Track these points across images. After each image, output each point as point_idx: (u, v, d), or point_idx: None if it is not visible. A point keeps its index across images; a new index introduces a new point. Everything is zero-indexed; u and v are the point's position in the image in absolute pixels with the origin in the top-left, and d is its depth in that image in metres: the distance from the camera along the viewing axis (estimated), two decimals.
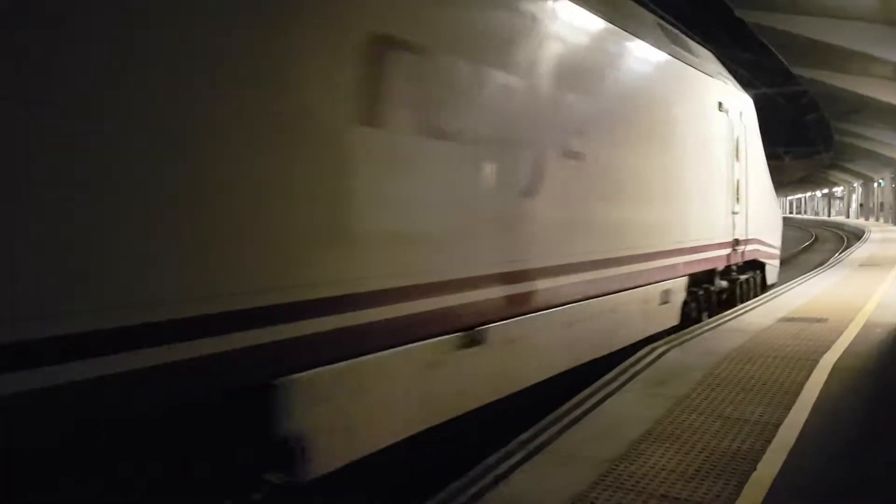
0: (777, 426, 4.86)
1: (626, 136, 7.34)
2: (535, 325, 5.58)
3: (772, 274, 13.38)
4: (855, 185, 67.82)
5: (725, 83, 10.72)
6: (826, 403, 5.43)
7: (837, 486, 3.96)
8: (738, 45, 25.56)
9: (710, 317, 9.65)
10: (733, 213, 10.53)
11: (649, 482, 3.95)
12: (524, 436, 4.70)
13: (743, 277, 11.37)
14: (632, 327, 7.49)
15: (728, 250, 10.36)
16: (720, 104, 10.08)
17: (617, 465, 4.19)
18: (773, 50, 19.94)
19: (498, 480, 4.00)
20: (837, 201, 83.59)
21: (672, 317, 8.58)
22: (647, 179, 7.85)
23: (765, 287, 12.81)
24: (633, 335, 7.48)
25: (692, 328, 8.58)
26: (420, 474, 4.59)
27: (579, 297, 6.27)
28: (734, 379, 6.18)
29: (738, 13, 16.88)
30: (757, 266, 12.32)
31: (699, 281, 9.50)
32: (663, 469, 4.14)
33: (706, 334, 8.27)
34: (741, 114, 11.16)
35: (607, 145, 6.86)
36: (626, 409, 5.34)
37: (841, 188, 77.50)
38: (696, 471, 4.10)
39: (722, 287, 10.57)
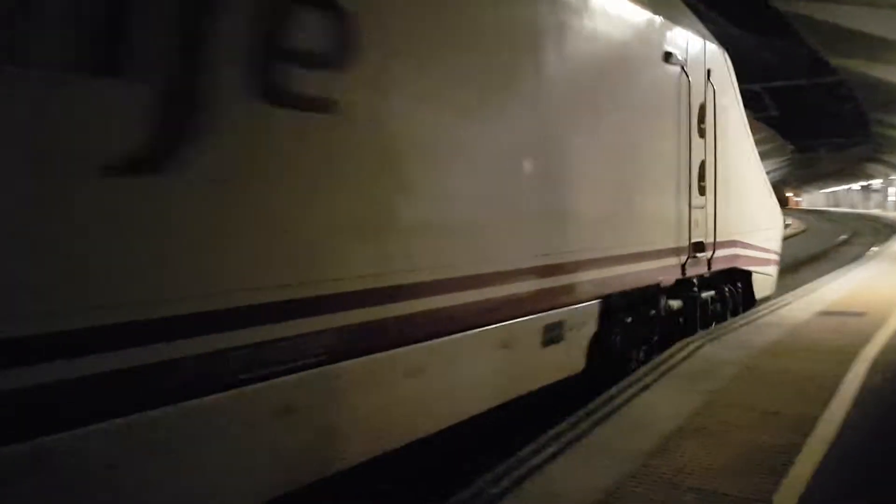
0: (816, 420, 4.77)
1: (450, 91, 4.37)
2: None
3: (763, 285, 10.23)
4: (893, 177, 66.40)
5: (680, 27, 7.46)
6: (867, 398, 5.32)
7: (879, 481, 3.88)
8: (772, 34, 25.11)
9: (658, 349, 7.20)
10: (692, 207, 7.48)
11: (685, 476, 3.90)
12: (557, 429, 4.67)
13: (706, 295, 8.31)
14: (477, 389, 4.69)
15: (681, 258, 7.30)
16: (668, 55, 7.05)
17: (651, 459, 4.15)
18: (808, 39, 19.58)
19: (532, 472, 3.98)
20: (874, 194, 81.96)
21: (573, 360, 5.73)
22: (503, 155, 4.85)
23: (752, 302, 9.95)
24: (482, 400, 4.73)
25: (727, 322, 8.41)
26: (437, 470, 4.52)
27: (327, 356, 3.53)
28: (771, 373, 6.08)
29: (772, 2, 16.60)
30: (739, 276, 9.47)
31: (632, 303, 6.58)
32: (699, 463, 4.08)
33: (742, 329, 8.14)
34: (709, 72, 8.02)
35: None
36: (660, 404, 5.28)
37: (879, 181, 75.94)
38: (732, 465, 4.04)
39: (672, 308, 7.51)
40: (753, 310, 9.40)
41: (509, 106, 4.95)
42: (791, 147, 54.15)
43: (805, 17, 16.73)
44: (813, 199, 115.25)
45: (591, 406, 5.19)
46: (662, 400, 5.40)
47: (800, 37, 19.89)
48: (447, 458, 5.03)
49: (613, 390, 5.59)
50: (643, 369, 6.25)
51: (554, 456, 4.22)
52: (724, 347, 7.13)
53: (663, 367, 6.32)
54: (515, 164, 5.00)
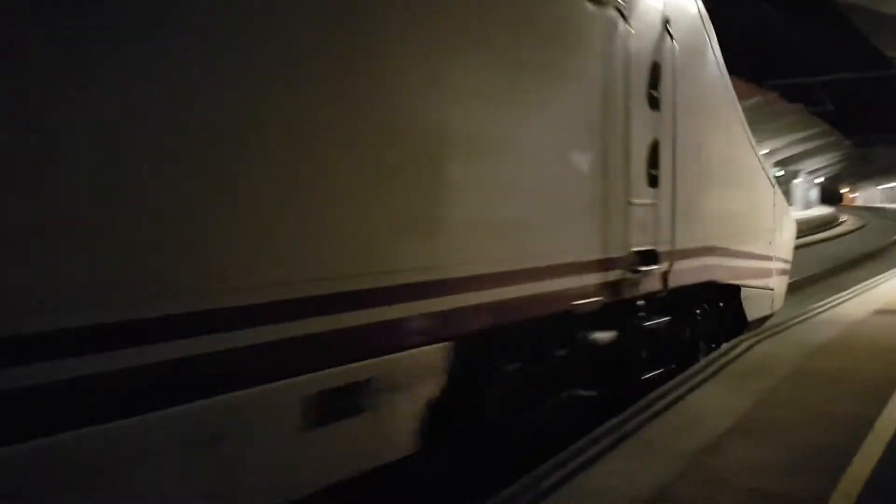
0: (873, 421, 4.68)
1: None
2: None
3: (759, 303, 8.22)
4: None
5: None
6: None
7: None
8: (828, 26, 24.51)
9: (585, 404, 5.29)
10: (634, 203, 5.43)
11: (737, 475, 3.87)
12: (611, 423, 4.67)
13: (655, 323, 5.89)
14: None
15: (613, 273, 5.23)
16: None
17: (703, 458, 4.12)
18: (866, 31, 19.07)
19: (584, 466, 4.00)
20: None
21: (385, 440, 3.55)
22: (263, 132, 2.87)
23: (738, 328, 7.89)
24: None
25: (785, 321, 8.21)
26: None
27: None
28: (826, 372, 5.98)
29: None
30: (722, 294, 7.41)
31: (522, 342, 4.54)
32: (751, 462, 4.04)
33: (796, 326, 8.00)
34: (667, 21, 6.01)
35: None
36: (713, 402, 5.24)
37: None
38: (786, 465, 3.99)
39: (599, 343, 5.29)
40: (809, 308, 9.18)
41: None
42: (847, 142, 52.81)
43: (863, 8, 16.31)
44: (869, 195, 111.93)
45: (641, 402, 5.18)
46: (715, 398, 5.37)
47: (856, 29, 19.38)
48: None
49: (665, 387, 5.56)
50: (696, 366, 6.18)
51: (608, 450, 4.24)
52: (778, 345, 7.10)
53: (717, 365, 6.27)
54: (380, 152, 3.38)
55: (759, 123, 25.14)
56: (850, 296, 10.34)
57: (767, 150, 37.35)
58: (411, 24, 3.58)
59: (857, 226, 44.18)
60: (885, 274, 13.23)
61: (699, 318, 6.98)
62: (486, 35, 4.05)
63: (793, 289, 11.05)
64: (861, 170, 74.90)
